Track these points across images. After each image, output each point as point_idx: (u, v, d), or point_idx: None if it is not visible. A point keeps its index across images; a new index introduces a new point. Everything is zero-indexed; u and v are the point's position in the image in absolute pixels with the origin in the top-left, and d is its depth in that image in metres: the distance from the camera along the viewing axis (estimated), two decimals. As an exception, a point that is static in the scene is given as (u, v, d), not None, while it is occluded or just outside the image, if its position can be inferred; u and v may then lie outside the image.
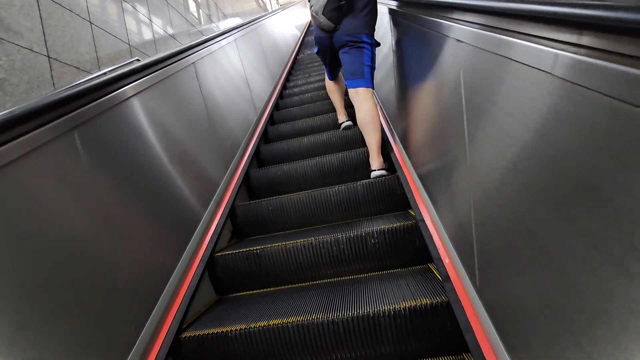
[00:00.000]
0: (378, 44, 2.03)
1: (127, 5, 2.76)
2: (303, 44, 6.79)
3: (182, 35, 3.69)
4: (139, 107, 1.35)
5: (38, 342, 0.76)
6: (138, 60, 1.55)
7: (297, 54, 5.87)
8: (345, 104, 2.54)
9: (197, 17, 4.34)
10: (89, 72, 2.08)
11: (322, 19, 1.92)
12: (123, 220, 1.12)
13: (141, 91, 1.36)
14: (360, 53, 1.93)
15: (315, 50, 2.21)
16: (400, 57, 1.83)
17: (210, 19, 4.79)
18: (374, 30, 1.98)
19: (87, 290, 0.91)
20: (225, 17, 5.36)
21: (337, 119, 2.59)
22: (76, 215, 0.95)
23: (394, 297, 1.15)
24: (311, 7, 1.97)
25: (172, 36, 3.43)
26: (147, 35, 3.01)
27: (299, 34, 7.25)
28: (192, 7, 4.24)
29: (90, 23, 2.24)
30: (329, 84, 2.52)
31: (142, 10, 2.98)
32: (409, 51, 1.57)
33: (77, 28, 2.12)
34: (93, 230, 0.99)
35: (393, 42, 1.98)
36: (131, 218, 1.16)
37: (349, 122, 2.48)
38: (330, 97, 2.59)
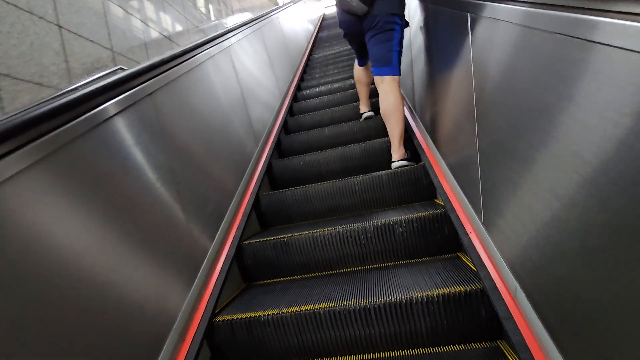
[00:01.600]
0: (407, 24, 1.93)
1: (110, 3, 2.23)
2: (317, 41, 6.14)
3: (182, 36, 3.20)
4: (158, 110, 1.37)
5: (78, 329, 0.79)
6: (122, 69, 1.26)
7: (310, 53, 5.26)
8: (369, 93, 2.52)
9: (203, 13, 3.81)
10: (57, 88, 1.70)
11: (355, 3, 1.79)
12: (159, 215, 1.15)
13: (165, 86, 1.37)
14: (390, 37, 1.82)
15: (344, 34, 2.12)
16: (428, 41, 1.79)
17: (216, 15, 4.23)
18: (404, 9, 1.87)
19: (128, 278, 0.94)
20: (232, 12, 4.81)
21: (359, 109, 2.59)
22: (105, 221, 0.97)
23: (425, 285, 1.14)
24: None
25: (168, 37, 2.92)
26: (136, 37, 2.47)
27: (313, 29, 6.71)
28: (196, 1, 3.71)
29: (59, 27, 1.80)
30: (357, 71, 2.45)
31: (129, 7, 2.46)
32: (440, 34, 1.53)
33: (40, 34, 1.68)
34: (133, 225, 1.02)
35: (420, 25, 1.91)
36: (164, 211, 1.18)
37: (371, 113, 2.47)
38: (356, 86, 2.55)
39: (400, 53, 1.88)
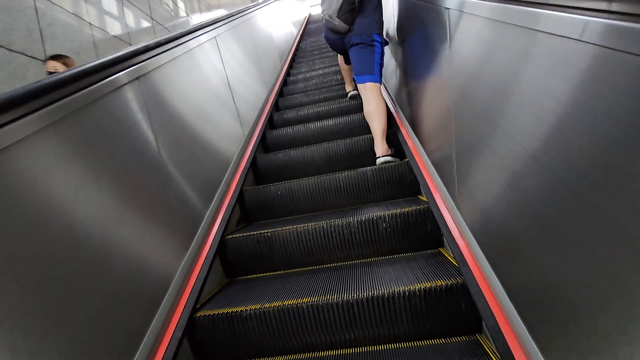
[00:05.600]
0: (387, 43, 2.09)
1: None
2: (298, 53, 4.91)
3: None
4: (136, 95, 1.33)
5: (60, 321, 0.76)
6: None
7: (288, 71, 4.05)
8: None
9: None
10: None
11: (337, 22, 1.98)
12: (135, 205, 1.12)
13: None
14: (371, 51, 1.99)
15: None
16: (409, 39, 1.80)
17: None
18: (382, 28, 2.05)
19: (101, 274, 0.91)
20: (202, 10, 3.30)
21: (345, 90, 2.94)
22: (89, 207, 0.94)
23: (407, 279, 1.16)
24: (323, 11, 2.04)
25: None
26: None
27: (294, 34, 5.50)
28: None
29: None
30: (342, 64, 2.70)
31: None
32: (420, 32, 1.54)
33: None
34: (109, 216, 0.98)
35: (401, 24, 1.95)
36: (142, 202, 1.15)
37: (355, 92, 2.75)
38: (342, 72, 2.86)
39: (381, 65, 2.04)
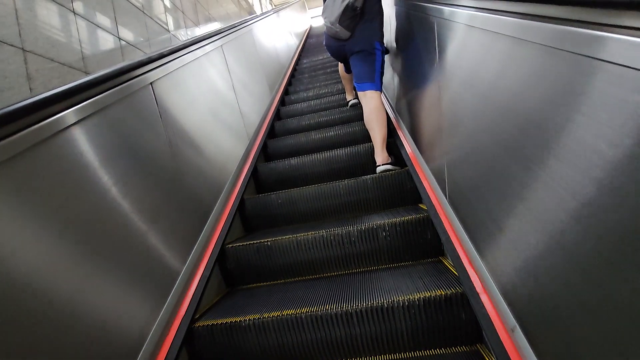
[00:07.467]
0: (387, 52, 2.10)
1: None
2: (297, 73, 4.43)
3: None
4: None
5: (48, 335, 0.76)
6: None
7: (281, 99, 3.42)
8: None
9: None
10: None
11: (339, 29, 2.00)
12: (138, 215, 1.12)
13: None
14: (372, 60, 2.01)
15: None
16: (409, 49, 1.82)
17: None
18: (383, 36, 2.06)
19: (97, 281, 0.91)
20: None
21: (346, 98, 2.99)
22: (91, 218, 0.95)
23: (407, 289, 1.15)
24: (325, 19, 2.06)
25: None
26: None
27: (294, 47, 5.03)
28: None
29: None
30: (343, 72, 2.73)
31: None
32: (420, 44, 1.56)
33: None
34: (110, 226, 0.99)
35: (399, 33, 1.97)
36: (142, 212, 1.16)
37: (355, 100, 2.80)
38: (342, 80, 2.90)
39: (382, 74, 2.04)
